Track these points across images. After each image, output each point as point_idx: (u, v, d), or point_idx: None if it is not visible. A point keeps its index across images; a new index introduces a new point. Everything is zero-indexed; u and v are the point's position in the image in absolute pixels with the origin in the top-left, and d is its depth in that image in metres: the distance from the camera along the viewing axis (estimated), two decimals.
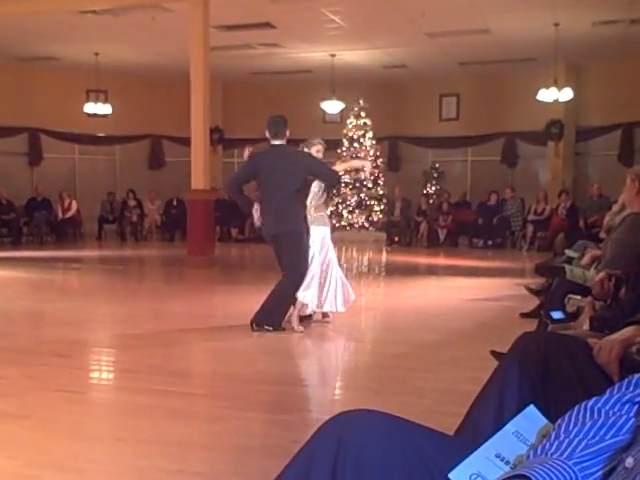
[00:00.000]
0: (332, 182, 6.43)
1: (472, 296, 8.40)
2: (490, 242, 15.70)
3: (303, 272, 6.11)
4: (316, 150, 6.37)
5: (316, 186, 6.28)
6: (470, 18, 12.17)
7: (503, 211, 15.82)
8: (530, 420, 1.27)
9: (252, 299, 6.23)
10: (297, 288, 6.10)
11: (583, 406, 1.22)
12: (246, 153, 6.55)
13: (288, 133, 6.27)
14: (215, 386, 4.51)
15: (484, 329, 6.41)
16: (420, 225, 16.41)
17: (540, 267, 7.49)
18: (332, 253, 6.35)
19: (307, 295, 6.13)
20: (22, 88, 16.73)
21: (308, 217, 6.27)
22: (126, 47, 14.79)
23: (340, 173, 6.66)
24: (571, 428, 1.18)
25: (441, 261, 13.74)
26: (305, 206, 6.27)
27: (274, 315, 6.05)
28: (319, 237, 6.24)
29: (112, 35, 13.71)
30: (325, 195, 6.41)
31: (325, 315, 6.54)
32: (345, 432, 1.23)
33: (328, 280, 6.22)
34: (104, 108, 16.66)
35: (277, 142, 6.19)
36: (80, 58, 15.62)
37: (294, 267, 6.10)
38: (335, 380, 4.93)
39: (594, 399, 1.23)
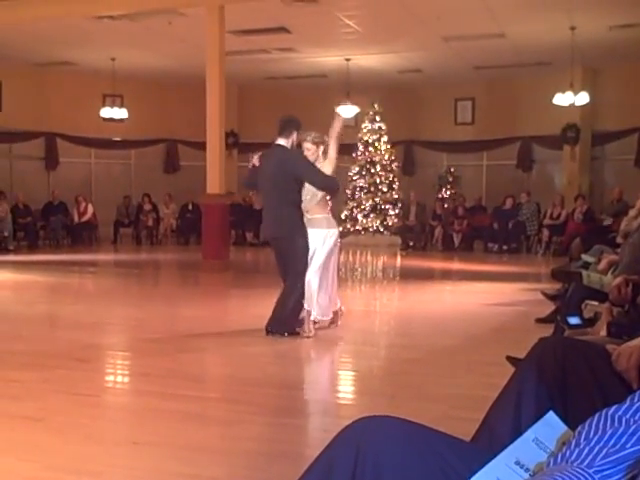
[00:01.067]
0: (326, 189, 6.00)
1: (487, 301, 8.36)
2: (505, 247, 15.63)
3: (302, 275, 5.93)
4: (306, 148, 6.01)
5: (305, 188, 5.99)
6: (485, 22, 12.14)
7: (519, 215, 15.75)
8: (550, 427, 1.26)
9: (266, 303, 6.23)
10: (300, 291, 5.93)
11: (604, 414, 1.21)
12: (254, 161, 6.16)
13: (295, 135, 6.05)
14: (230, 390, 4.51)
15: (499, 334, 6.38)
16: (435, 229, 16.38)
17: (556, 272, 7.44)
18: (321, 258, 5.96)
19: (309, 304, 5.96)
20: (39, 93, 16.85)
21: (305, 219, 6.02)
22: (142, 52, 14.87)
23: (333, 164, 6.02)
24: (591, 436, 1.16)
25: (456, 266, 13.69)
26: (300, 215, 6.01)
27: (286, 322, 5.98)
28: (311, 241, 5.95)
29: (128, 40, 13.79)
30: (320, 197, 6.02)
31: (332, 321, 6.35)
32: (364, 438, 1.22)
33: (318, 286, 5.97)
34: (120, 112, 16.76)
35: (280, 141, 6.03)
36: (97, 63, 15.72)
37: (291, 271, 5.97)
38: (349, 385, 4.92)
39: (615, 407, 1.21)
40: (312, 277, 5.94)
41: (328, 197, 6.17)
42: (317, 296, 5.95)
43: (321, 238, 5.97)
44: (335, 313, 6.31)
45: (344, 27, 12.69)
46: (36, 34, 13.42)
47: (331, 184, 5.98)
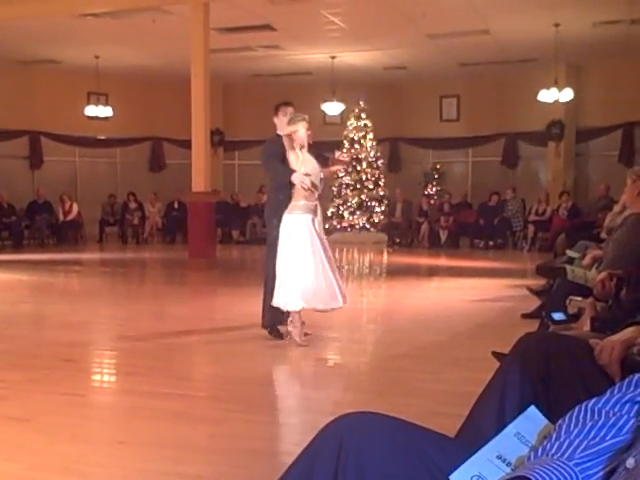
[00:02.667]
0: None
1: (473, 297, 8.39)
2: (491, 243, 15.71)
3: (269, 272, 5.77)
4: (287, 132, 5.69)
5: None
6: (470, 19, 12.17)
7: (504, 212, 15.82)
8: (531, 421, 1.27)
9: (253, 301, 6.23)
10: (269, 289, 5.73)
11: (584, 407, 1.22)
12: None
13: (277, 121, 5.90)
14: (217, 388, 4.51)
15: (485, 330, 6.41)
16: (421, 226, 16.41)
17: (541, 268, 7.49)
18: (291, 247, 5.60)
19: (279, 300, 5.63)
20: (23, 91, 16.73)
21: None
22: (126, 50, 14.80)
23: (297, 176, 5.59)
24: (572, 429, 1.18)
25: (442, 262, 13.74)
26: (280, 200, 5.79)
27: (264, 316, 5.95)
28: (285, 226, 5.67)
29: (112, 38, 13.72)
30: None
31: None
32: (346, 434, 1.23)
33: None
34: (105, 111, 16.68)
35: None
36: (81, 61, 15.63)
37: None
38: (337, 382, 4.92)
39: (594, 399, 1.23)
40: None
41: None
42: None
43: (294, 223, 5.66)
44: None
45: (329, 24, 12.68)
46: (20, 32, 13.32)
47: (278, 178, 5.86)
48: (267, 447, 3.37)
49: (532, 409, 1.29)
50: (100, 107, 16.66)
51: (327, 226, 14.24)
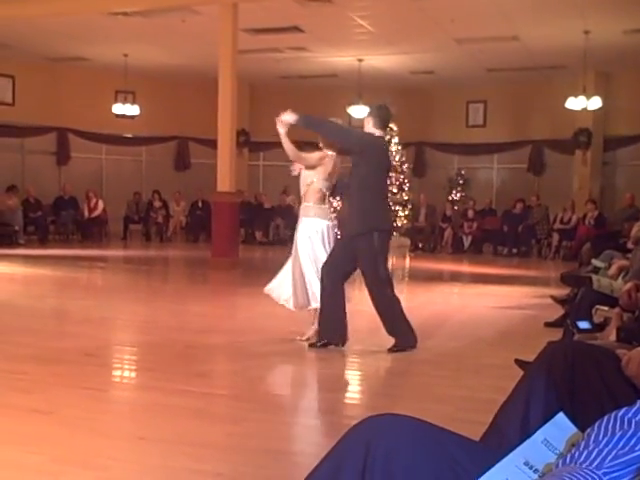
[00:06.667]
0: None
1: (496, 304, 8.34)
2: (515, 250, 15.60)
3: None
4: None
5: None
6: (499, 25, 12.11)
7: (528, 219, 15.71)
8: (559, 428, 1.25)
9: (274, 302, 6.23)
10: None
11: (613, 416, 1.20)
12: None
13: (369, 123, 5.61)
14: (237, 387, 4.52)
15: (507, 337, 6.37)
16: (445, 231, 16.35)
17: (566, 276, 7.42)
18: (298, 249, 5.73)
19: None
20: (52, 88, 16.90)
21: None
22: (155, 49, 14.90)
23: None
24: (601, 438, 1.16)
25: (465, 268, 13.67)
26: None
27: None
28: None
29: (142, 37, 13.83)
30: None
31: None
32: (374, 437, 1.22)
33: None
34: (132, 109, 16.80)
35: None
36: (109, 59, 15.77)
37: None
38: (356, 386, 4.92)
39: (624, 409, 1.21)
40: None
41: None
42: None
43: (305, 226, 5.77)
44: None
45: (357, 27, 12.68)
46: (50, 29, 13.47)
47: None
48: (286, 447, 3.37)
49: (560, 416, 1.27)
50: (127, 105, 16.78)
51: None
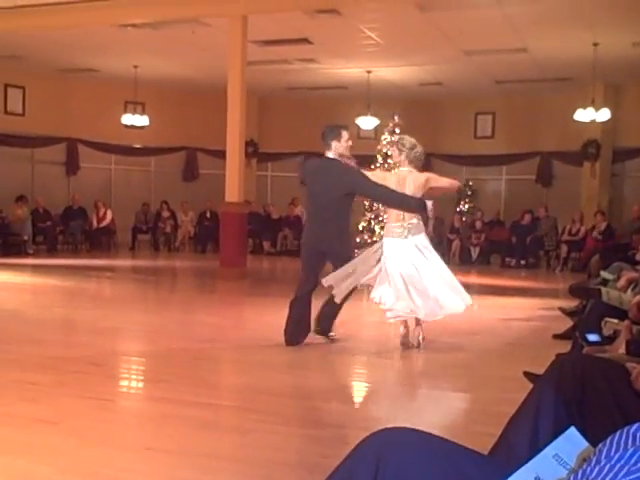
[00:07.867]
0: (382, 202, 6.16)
1: (504, 315, 8.31)
2: (523, 262, 15.54)
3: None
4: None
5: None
6: (508, 37, 12.12)
7: (537, 231, 15.67)
8: (571, 443, 1.24)
9: (283, 312, 6.22)
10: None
11: (625, 431, 1.19)
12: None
13: (333, 144, 6.13)
14: (245, 399, 4.51)
15: (516, 349, 6.34)
16: (452, 243, 16.31)
17: (574, 288, 7.38)
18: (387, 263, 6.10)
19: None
20: (61, 99, 17.00)
21: None
22: (165, 60, 14.98)
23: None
24: (612, 453, 1.15)
25: (473, 279, 13.61)
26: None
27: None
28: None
29: (151, 48, 13.90)
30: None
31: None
32: (385, 449, 1.22)
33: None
34: (141, 120, 16.86)
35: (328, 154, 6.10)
36: (119, 70, 15.85)
37: None
38: (365, 397, 4.90)
39: (637, 425, 1.20)
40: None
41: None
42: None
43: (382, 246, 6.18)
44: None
45: (366, 39, 12.72)
46: (60, 41, 13.55)
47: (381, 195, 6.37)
48: (296, 459, 3.36)
49: (572, 430, 1.26)
50: (137, 116, 16.85)
51: (358, 240, 14.23)
